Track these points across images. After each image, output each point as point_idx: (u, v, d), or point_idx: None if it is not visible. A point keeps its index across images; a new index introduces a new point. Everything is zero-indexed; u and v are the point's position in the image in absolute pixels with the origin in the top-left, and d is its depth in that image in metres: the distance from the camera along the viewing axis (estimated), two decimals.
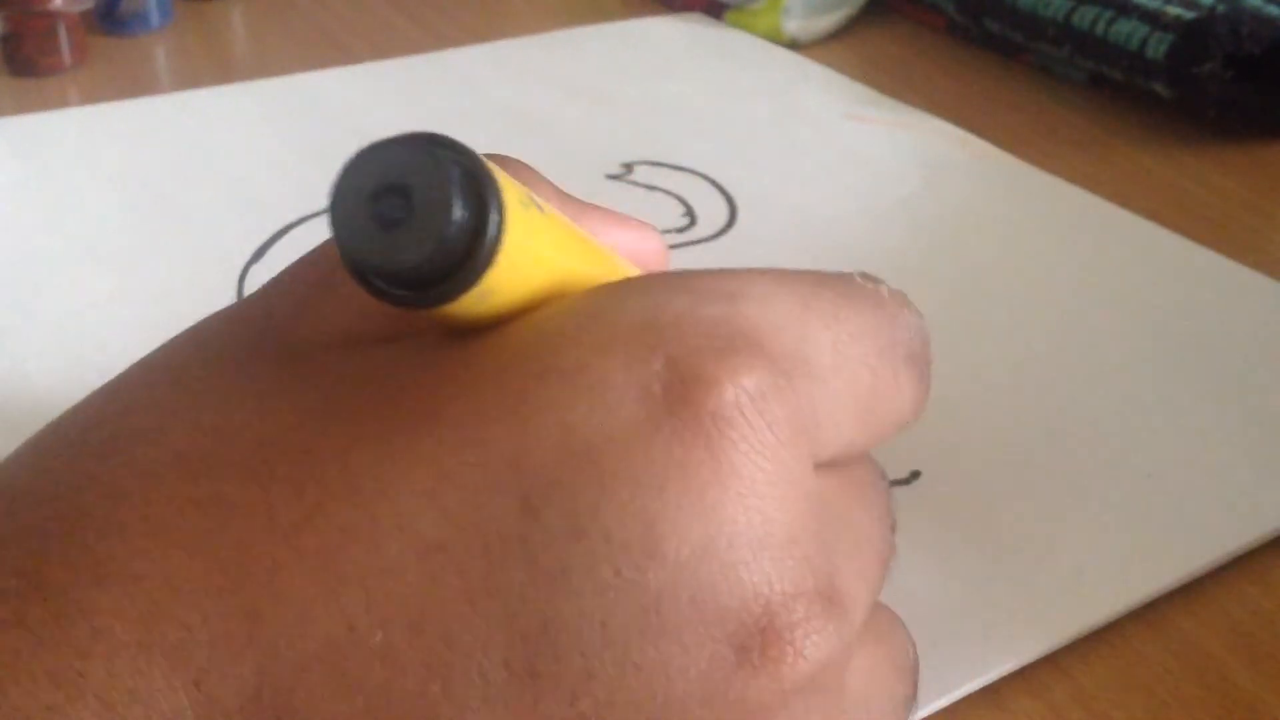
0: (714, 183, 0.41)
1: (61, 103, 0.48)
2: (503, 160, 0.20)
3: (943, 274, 0.37)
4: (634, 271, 0.21)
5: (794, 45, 0.53)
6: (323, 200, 0.23)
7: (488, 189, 0.16)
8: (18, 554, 0.16)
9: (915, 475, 0.29)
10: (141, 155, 0.43)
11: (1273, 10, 0.45)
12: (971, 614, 0.25)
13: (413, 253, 0.15)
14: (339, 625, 0.15)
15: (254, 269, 0.37)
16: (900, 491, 0.28)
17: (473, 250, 0.15)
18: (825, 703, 0.17)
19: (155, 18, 0.56)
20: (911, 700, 0.21)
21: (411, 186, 0.15)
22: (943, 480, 0.29)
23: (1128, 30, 0.46)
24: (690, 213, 0.40)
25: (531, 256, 0.17)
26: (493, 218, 0.15)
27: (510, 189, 0.16)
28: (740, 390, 0.16)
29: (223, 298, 0.35)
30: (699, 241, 0.38)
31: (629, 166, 0.42)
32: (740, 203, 0.40)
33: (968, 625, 0.25)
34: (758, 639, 0.16)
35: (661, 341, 0.17)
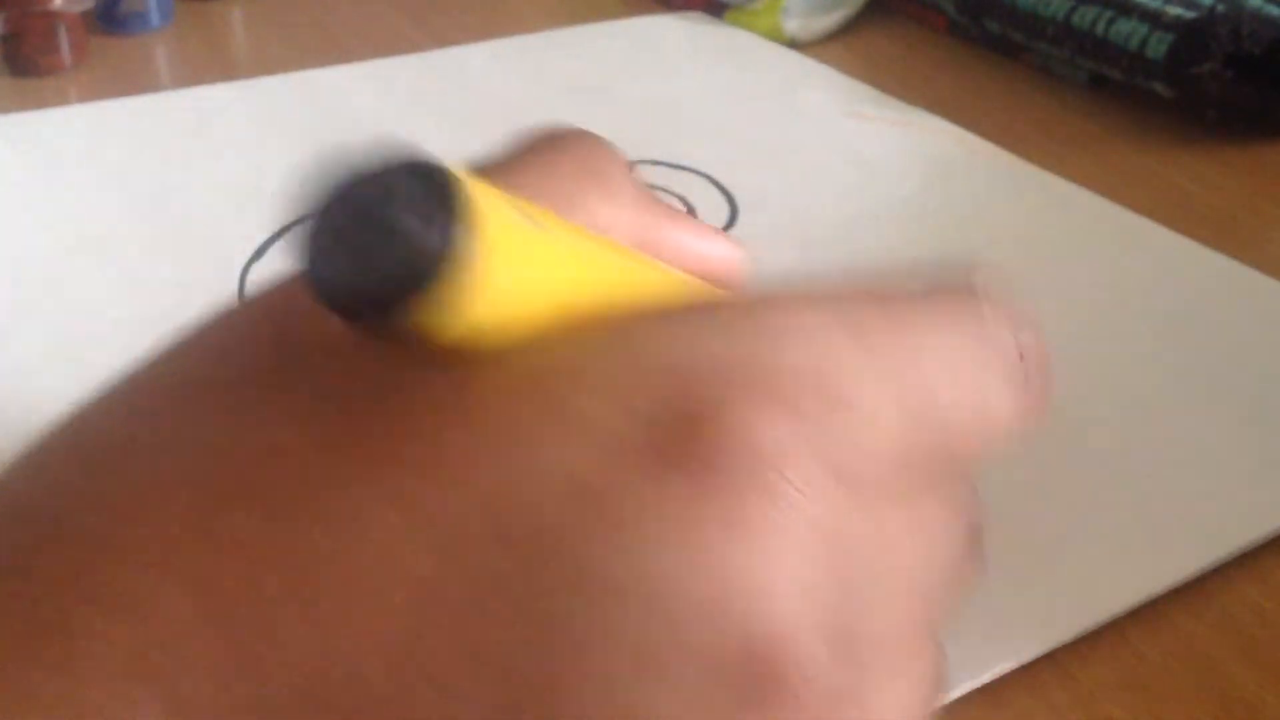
0: (715, 182, 0.41)
1: (61, 102, 0.48)
2: (576, 137, 0.18)
3: (941, 270, 0.37)
4: (685, 290, 0.21)
5: (793, 45, 0.53)
6: None
7: (456, 209, 0.15)
8: (12, 563, 0.15)
9: None
10: (142, 153, 0.43)
11: (1273, 10, 0.45)
12: (971, 612, 0.25)
13: (369, 274, 0.15)
14: (326, 662, 0.15)
15: (254, 267, 0.37)
16: None
17: (436, 271, 0.15)
18: None
19: (155, 17, 0.56)
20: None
21: (375, 205, 0.15)
22: None
23: (1128, 30, 0.46)
24: (691, 212, 0.40)
25: (524, 279, 0.16)
26: (457, 237, 0.15)
27: (496, 209, 0.15)
28: (755, 441, 0.16)
29: (223, 296, 0.35)
30: None
31: (630, 165, 0.42)
32: (741, 201, 0.40)
33: (968, 624, 0.25)
34: (758, 683, 0.16)
35: (676, 384, 0.16)
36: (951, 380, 0.18)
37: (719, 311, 0.17)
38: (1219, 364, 0.33)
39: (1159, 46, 0.45)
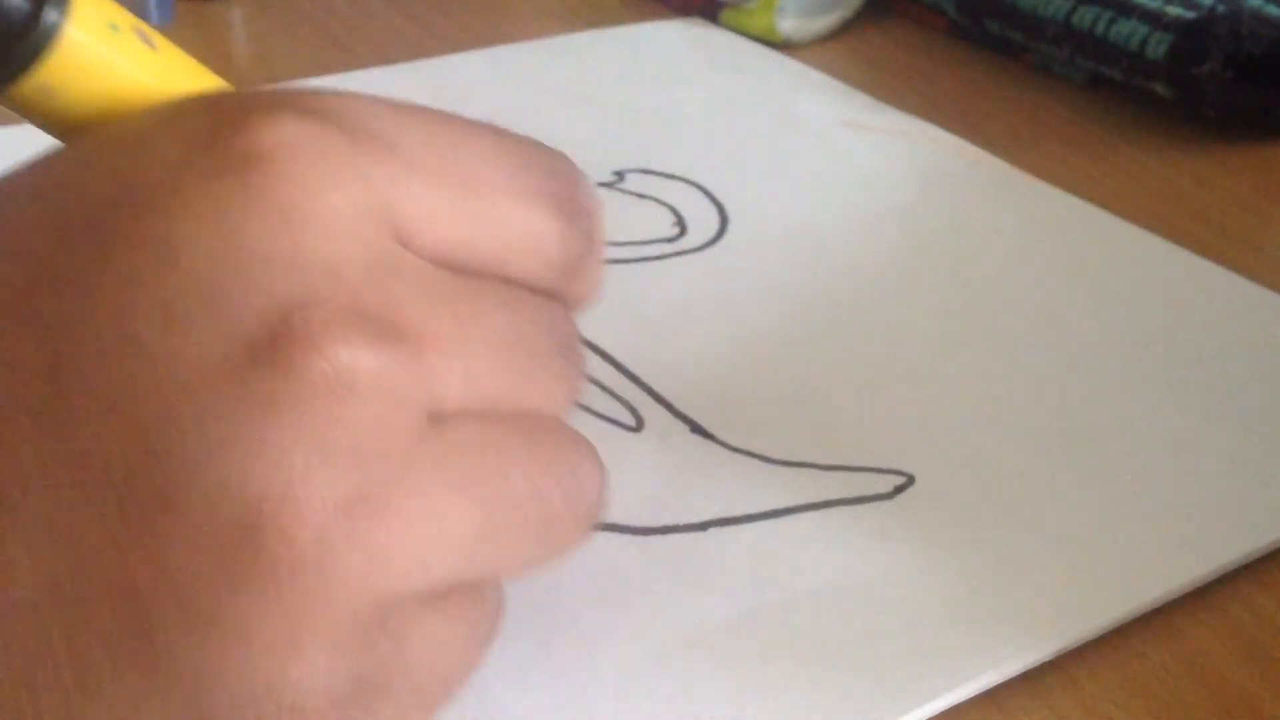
0: (705, 191, 0.41)
1: None
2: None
3: (937, 283, 0.37)
4: None
5: (788, 45, 0.53)
6: None
7: None
8: None
9: (910, 481, 0.29)
10: None
11: (1273, 10, 0.45)
12: (973, 617, 0.25)
13: None
14: None
15: None
16: (903, 496, 0.28)
17: (24, 36, 0.18)
18: (369, 416, 0.17)
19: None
20: (579, 518, 0.21)
21: None
22: (944, 487, 0.29)
23: (1128, 30, 0.46)
24: (681, 222, 0.39)
25: (111, 69, 0.19)
26: (49, 10, 0.18)
27: (95, 4, 0.19)
28: (279, 133, 0.18)
29: None
30: (688, 252, 0.38)
31: (620, 174, 0.42)
32: (731, 212, 0.40)
33: (970, 628, 0.25)
34: (270, 338, 0.17)
35: (220, 109, 0.19)
36: (491, 174, 0.20)
37: (282, 89, 0.20)
38: (1221, 374, 0.33)
39: (1159, 46, 0.45)
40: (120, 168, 0.18)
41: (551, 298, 0.21)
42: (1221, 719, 0.24)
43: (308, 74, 0.50)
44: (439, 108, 0.21)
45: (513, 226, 0.20)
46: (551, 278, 0.21)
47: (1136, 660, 0.25)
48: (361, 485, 0.17)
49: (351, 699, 0.18)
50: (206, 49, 0.55)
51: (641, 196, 0.41)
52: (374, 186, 0.18)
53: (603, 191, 0.41)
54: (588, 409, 0.31)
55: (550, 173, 0.21)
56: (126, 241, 0.18)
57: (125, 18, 0.20)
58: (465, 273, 0.20)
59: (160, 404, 0.17)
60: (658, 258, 0.37)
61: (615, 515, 0.27)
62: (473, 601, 0.20)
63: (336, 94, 0.20)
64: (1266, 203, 0.43)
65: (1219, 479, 0.29)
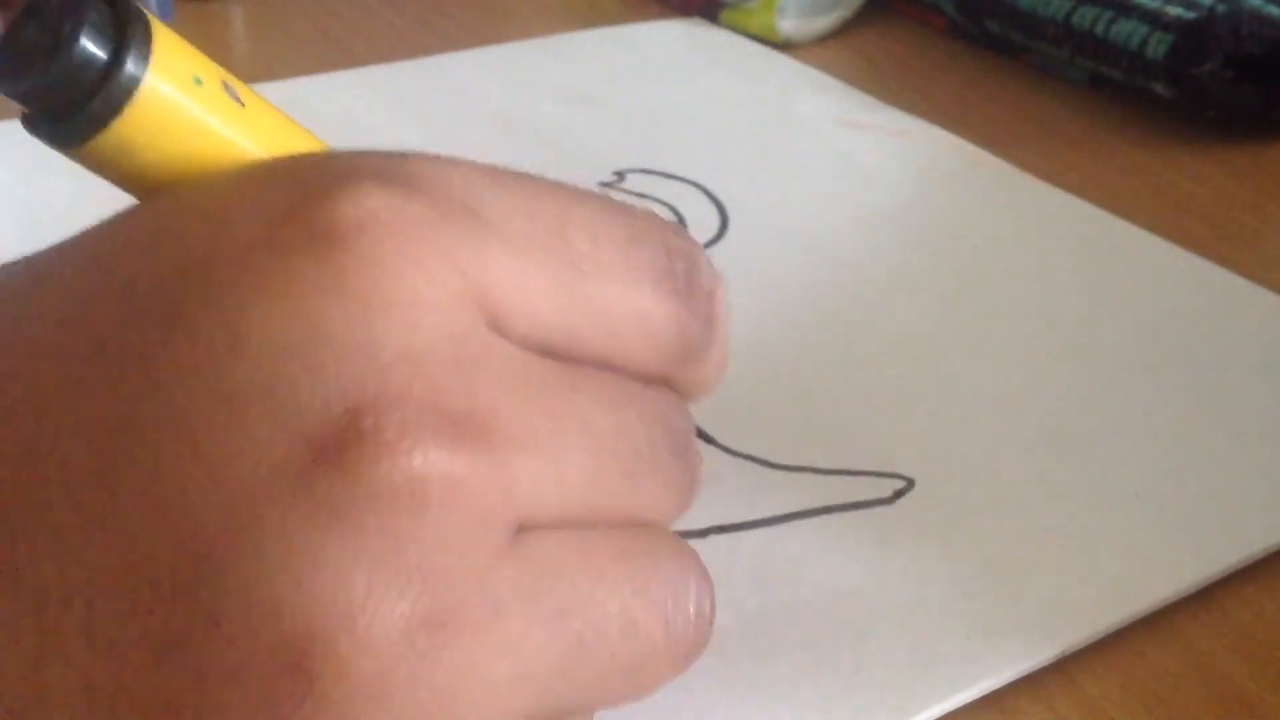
0: (706, 191, 0.41)
1: None
2: None
3: (936, 283, 0.37)
4: None
5: (788, 45, 0.53)
6: None
7: (133, 35, 0.17)
8: None
9: (910, 485, 0.29)
10: None
11: (1273, 10, 0.45)
12: (974, 621, 0.25)
13: (32, 74, 0.17)
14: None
15: None
16: (903, 501, 0.28)
17: (101, 89, 0.17)
18: (444, 531, 0.16)
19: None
20: (666, 661, 0.18)
21: (53, 15, 0.17)
22: (944, 491, 0.29)
23: (1128, 30, 0.46)
24: (681, 222, 0.39)
25: (194, 127, 0.18)
26: (128, 63, 0.17)
27: (178, 56, 0.18)
28: (360, 207, 0.16)
29: None
30: None
31: (621, 174, 0.42)
32: (732, 212, 0.40)
33: (970, 633, 0.25)
34: (336, 438, 0.15)
35: (300, 178, 0.17)
36: (597, 250, 0.18)
37: (367, 152, 0.18)
38: (1221, 374, 0.33)
39: (1159, 46, 0.45)
40: (192, 239, 0.17)
41: (664, 388, 0.19)
42: (1221, 718, 0.24)
43: (307, 73, 0.50)
44: (542, 177, 0.19)
45: (621, 310, 0.18)
46: (665, 366, 0.19)
47: (1136, 660, 0.25)
48: (431, 610, 0.15)
49: None
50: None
51: (642, 197, 0.41)
52: (464, 266, 0.17)
53: (602, 190, 0.41)
54: None
55: (666, 249, 0.19)
56: (193, 324, 0.16)
57: (211, 70, 0.19)
58: (565, 363, 0.18)
59: (213, 511, 0.15)
60: None
61: None
62: None
63: (426, 159, 0.18)
64: (1266, 203, 0.43)
65: (1219, 480, 0.29)
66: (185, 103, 0.18)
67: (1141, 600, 0.26)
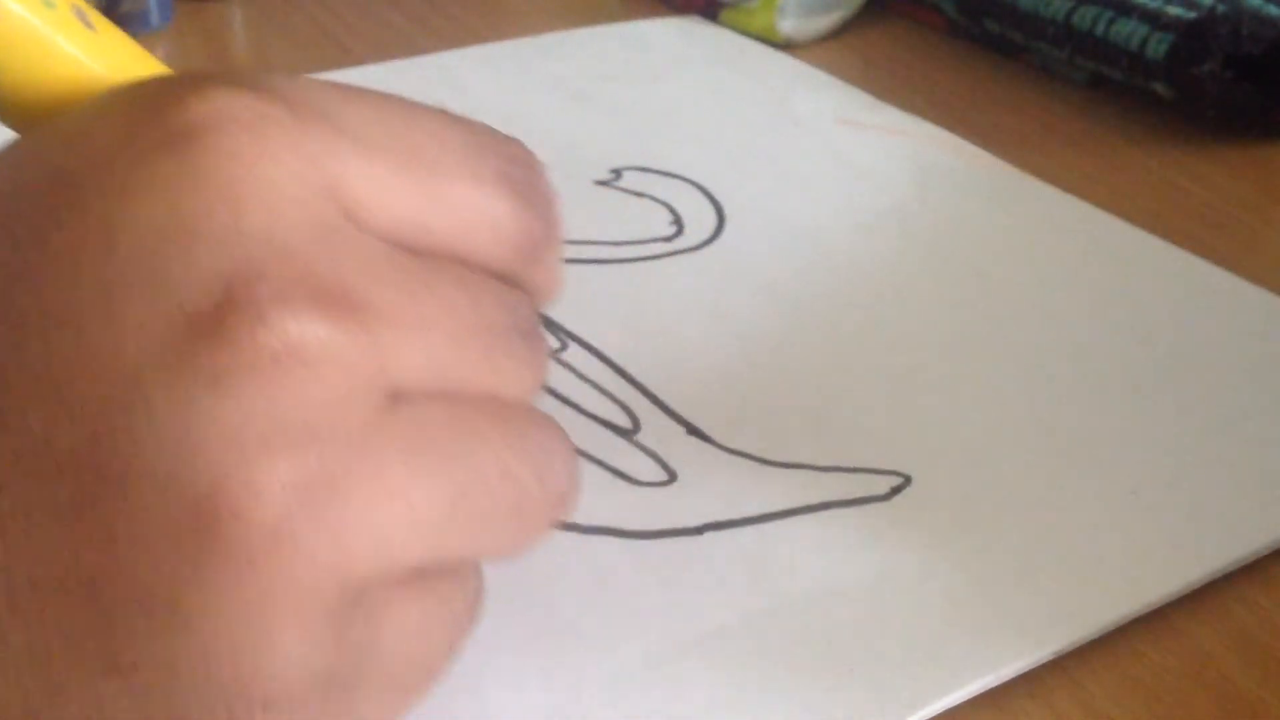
0: (703, 190, 0.41)
1: None
2: None
3: (934, 282, 0.37)
4: None
5: (788, 45, 0.53)
6: None
7: None
8: None
9: (907, 482, 0.29)
10: None
11: (1273, 10, 0.45)
12: (972, 619, 0.25)
13: None
14: None
15: None
16: (900, 497, 0.28)
17: None
18: (323, 391, 0.17)
19: (155, 18, 0.56)
20: (549, 500, 0.20)
21: None
22: (941, 487, 0.29)
23: (1128, 30, 0.46)
24: (678, 220, 0.39)
25: (47, 46, 0.19)
26: None
27: None
28: (213, 106, 0.17)
29: None
30: (685, 251, 0.38)
31: (618, 172, 0.42)
32: (729, 211, 0.40)
33: (968, 630, 0.25)
34: (212, 311, 0.16)
35: (156, 89, 0.18)
36: (444, 153, 0.20)
37: (222, 70, 0.20)
38: (1220, 374, 0.33)
39: (1159, 46, 0.45)
40: (58, 156, 0.18)
41: (511, 284, 0.21)
42: (1219, 716, 0.24)
43: (307, 72, 0.50)
44: (390, 93, 0.20)
45: (468, 207, 0.20)
46: (510, 262, 0.20)
47: (1136, 660, 0.25)
48: (319, 464, 0.16)
49: (327, 689, 0.17)
50: (206, 49, 0.55)
51: (639, 195, 0.41)
52: (319, 160, 0.18)
53: (600, 190, 0.41)
54: (582, 411, 0.30)
55: (506, 156, 0.21)
56: (65, 225, 0.17)
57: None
58: (420, 253, 0.19)
59: (104, 388, 0.16)
60: (654, 257, 0.37)
61: (611, 519, 0.27)
62: (449, 586, 0.19)
63: (279, 75, 0.19)
64: (1266, 203, 0.43)
65: (1219, 479, 0.29)
66: (35, 23, 0.19)
67: (1141, 599, 0.26)
